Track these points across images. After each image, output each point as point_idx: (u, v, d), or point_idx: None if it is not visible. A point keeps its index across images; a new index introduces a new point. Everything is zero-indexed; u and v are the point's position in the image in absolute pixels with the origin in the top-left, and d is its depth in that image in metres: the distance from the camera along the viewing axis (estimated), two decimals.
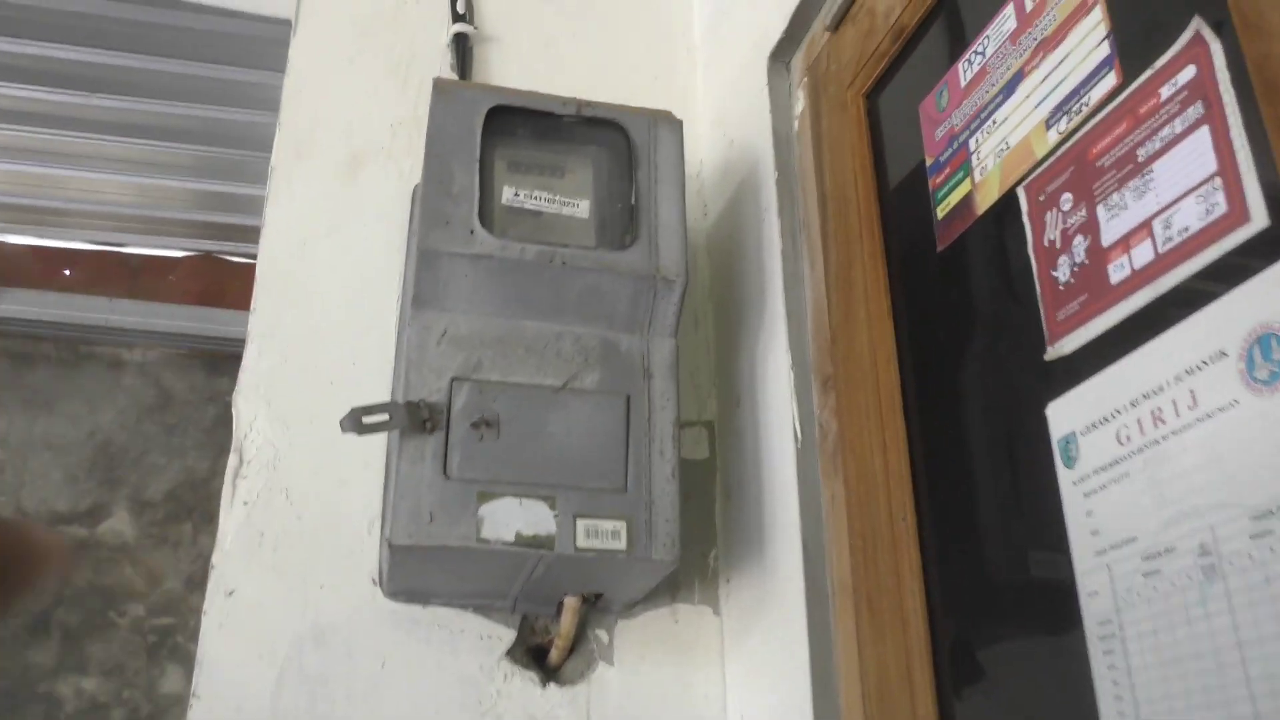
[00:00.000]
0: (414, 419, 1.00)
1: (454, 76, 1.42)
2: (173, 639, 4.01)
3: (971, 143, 0.92)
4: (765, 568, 1.16)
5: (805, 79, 1.23)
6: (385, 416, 0.99)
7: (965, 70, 0.94)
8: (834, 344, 1.09)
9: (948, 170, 0.95)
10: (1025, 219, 0.83)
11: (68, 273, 4.49)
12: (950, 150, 0.95)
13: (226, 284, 4.39)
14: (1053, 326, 0.78)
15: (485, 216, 1.08)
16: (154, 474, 4.40)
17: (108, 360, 4.56)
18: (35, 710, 3.87)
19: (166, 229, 4.29)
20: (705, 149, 1.49)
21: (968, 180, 0.91)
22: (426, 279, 1.05)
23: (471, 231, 1.06)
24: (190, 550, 4.24)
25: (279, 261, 1.27)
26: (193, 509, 4.28)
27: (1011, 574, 0.84)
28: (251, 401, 1.20)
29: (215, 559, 1.13)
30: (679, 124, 1.17)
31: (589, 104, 1.16)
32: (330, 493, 1.18)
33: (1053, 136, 0.81)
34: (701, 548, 1.28)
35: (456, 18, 1.47)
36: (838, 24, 1.16)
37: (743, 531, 1.23)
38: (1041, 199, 0.81)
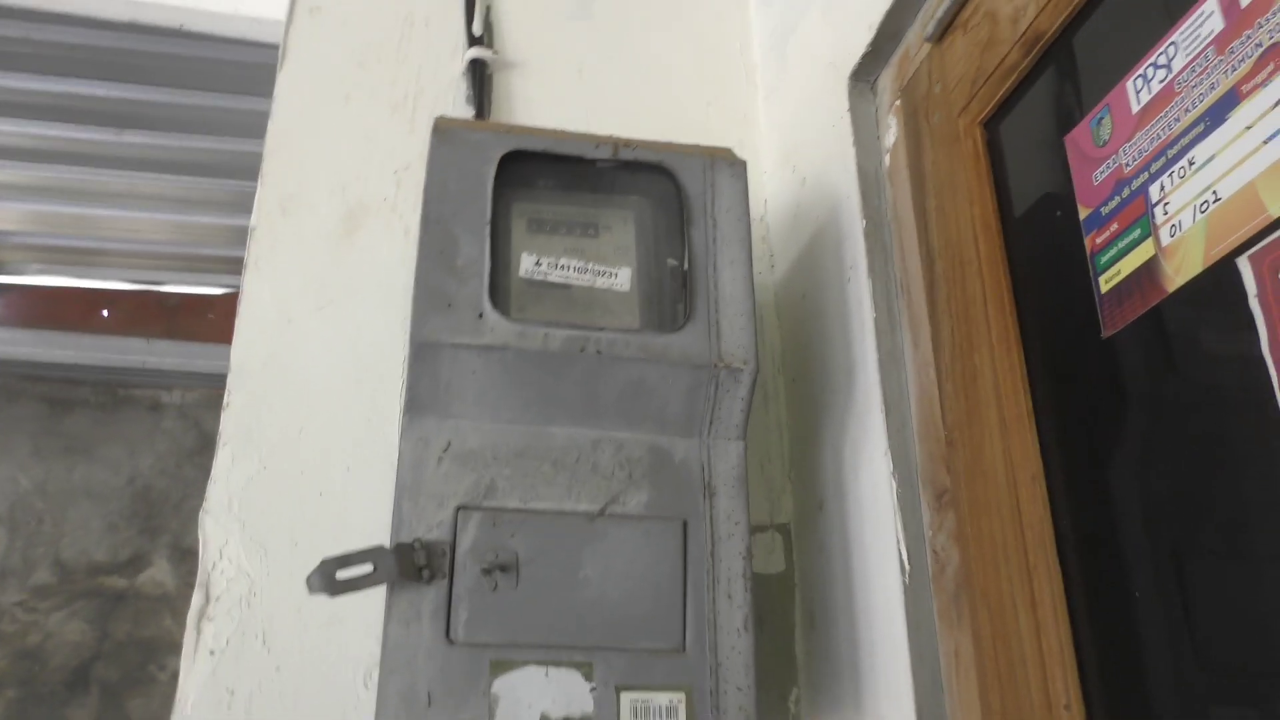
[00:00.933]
0: (406, 567, 0.77)
1: (469, 111, 1.19)
2: None
3: (1153, 190, 0.66)
4: None
5: (898, 103, 0.99)
6: (368, 567, 0.75)
7: (1139, 90, 0.68)
8: (951, 449, 0.84)
9: (1114, 226, 0.69)
10: (1254, 303, 0.57)
11: (105, 314, 4.37)
12: (1118, 199, 0.69)
13: None
14: None
15: (498, 294, 0.85)
16: (194, 520, 4.25)
17: (146, 403, 4.42)
18: None
19: (204, 266, 4.15)
20: (770, 188, 1.25)
21: (1149, 241, 0.66)
22: (424, 378, 0.82)
23: (480, 315, 0.82)
24: None
25: (257, 344, 1.05)
26: None
27: None
28: (222, 522, 0.98)
29: None
30: (742, 166, 0.93)
31: (628, 143, 0.92)
32: (317, 636, 0.95)
33: None
34: (779, 688, 1.03)
35: (473, 41, 1.25)
36: (942, 33, 0.91)
37: (832, 671, 0.98)
38: None
